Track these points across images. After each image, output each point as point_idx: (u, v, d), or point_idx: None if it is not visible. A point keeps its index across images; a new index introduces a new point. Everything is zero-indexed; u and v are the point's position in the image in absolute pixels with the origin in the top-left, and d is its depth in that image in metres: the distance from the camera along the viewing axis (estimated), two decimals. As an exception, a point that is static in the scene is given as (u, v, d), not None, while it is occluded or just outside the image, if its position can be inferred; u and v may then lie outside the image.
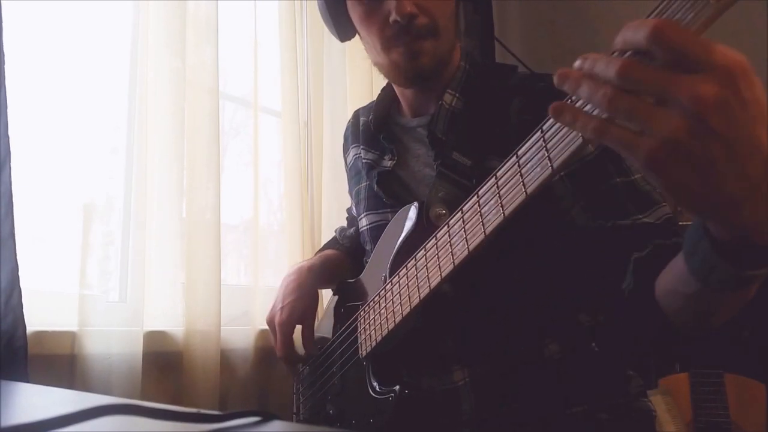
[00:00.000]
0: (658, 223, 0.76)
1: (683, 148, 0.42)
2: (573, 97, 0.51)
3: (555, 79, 0.49)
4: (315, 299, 1.12)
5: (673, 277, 0.61)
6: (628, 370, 0.89)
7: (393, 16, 0.88)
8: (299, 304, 1.08)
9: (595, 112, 0.48)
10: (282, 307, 1.08)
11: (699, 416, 1.50)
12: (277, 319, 1.07)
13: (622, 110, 0.44)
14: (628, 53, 0.46)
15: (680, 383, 1.53)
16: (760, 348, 1.59)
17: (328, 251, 1.21)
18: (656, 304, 0.65)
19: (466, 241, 0.71)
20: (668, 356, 0.79)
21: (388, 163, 1.03)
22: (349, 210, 1.27)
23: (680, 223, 1.61)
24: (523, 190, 0.62)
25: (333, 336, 1.07)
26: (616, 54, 0.47)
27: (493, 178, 0.68)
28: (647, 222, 0.76)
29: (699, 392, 1.50)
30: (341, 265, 1.18)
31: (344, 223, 1.30)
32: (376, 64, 0.99)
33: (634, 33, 0.44)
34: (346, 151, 1.20)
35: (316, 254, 1.25)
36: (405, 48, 0.91)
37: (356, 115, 1.19)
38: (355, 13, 0.94)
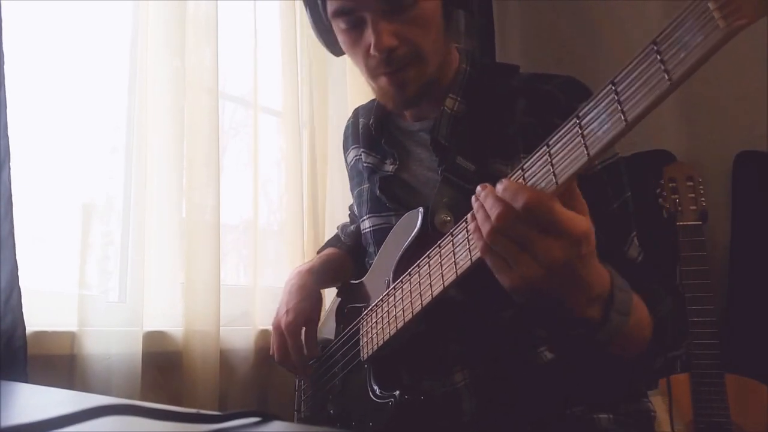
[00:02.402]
0: (638, 264, 0.86)
1: (537, 287, 0.61)
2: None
3: (472, 198, 0.65)
4: (319, 300, 1.12)
5: None
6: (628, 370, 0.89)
7: (372, 51, 0.86)
8: (304, 306, 1.08)
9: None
10: (287, 310, 1.08)
11: (699, 416, 1.50)
12: (283, 323, 1.07)
13: (498, 246, 0.61)
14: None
15: (680, 383, 1.53)
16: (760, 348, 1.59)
17: (330, 251, 1.21)
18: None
19: (470, 251, 0.71)
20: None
21: (389, 167, 1.02)
22: (351, 207, 1.27)
23: (678, 223, 1.61)
24: None
25: (335, 337, 1.07)
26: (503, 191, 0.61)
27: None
28: (631, 258, 0.85)
29: (699, 392, 1.50)
30: (343, 265, 1.17)
31: (347, 220, 1.30)
32: (369, 85, 0.98)
33: (512, 196, 0.59)
34: (346, 150, 1.19)
35: (318, 252, 1.25)
36: (388, 79, 0.90)
37: (356, 114, 1.19)
38: (340, 39, 0.94)
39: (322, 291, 1.16)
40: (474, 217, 0.65)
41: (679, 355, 0.82)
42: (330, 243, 1.27)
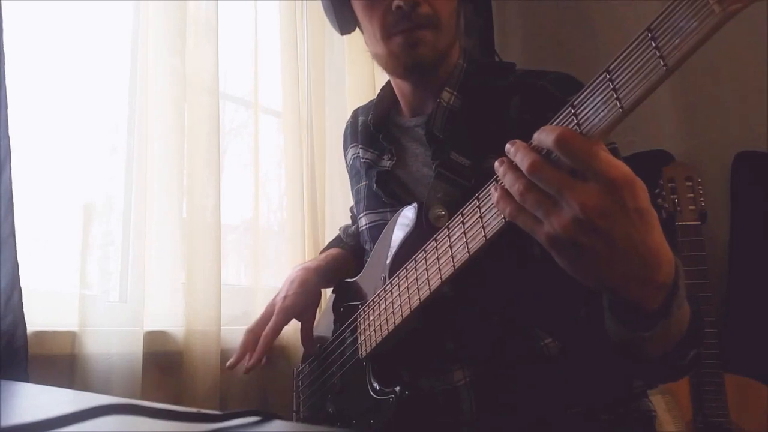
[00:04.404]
0: None
1: (571, 240, 0.54)
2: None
3: (495, 165, 0.60)
4: (318, 298, 1.13)
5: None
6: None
7: (397, 2, 0.88)
8: (302, 300, 1.08)
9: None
10: (285, 296, 1.08)
11: (699, 416, 1.50)
12: (278, 305, 1.07)
13: (529, 203, 0.56)
14: (544, 150, 0.56)
15: (680, 383, 1.53)
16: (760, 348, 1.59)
17: (334, 250, 1.21)
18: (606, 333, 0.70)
19: (467, 244, 0.71)
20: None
21: (386, 163, 1.03)
22: (352, 208, 1.28)
23: (677, 223, 1.61)
24: None
25: (332, 335, 1.07)
26: (534, 145, 0.57)
27: (494, 182, 0.68)
28: None
29: (699, 392, 1.50)
30: (346, 265, 1.18)
31: (348, 221, 1.30)
32: (374, 55, 0.98)
33: (546, 136, 0.54)
34: (345, 149, 1.20)
35: (321, 253, 1.25)
36: (404, 37, 0.91)
37: (355, 114, 1.19)
38: (358, 1, 0.95)
39: (322, 291, 1.16)
40: (497, 188, 0.60)
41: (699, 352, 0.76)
42: (332, 244, 1.28)
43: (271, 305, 1.09)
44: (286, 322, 1.07)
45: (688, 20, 0.44)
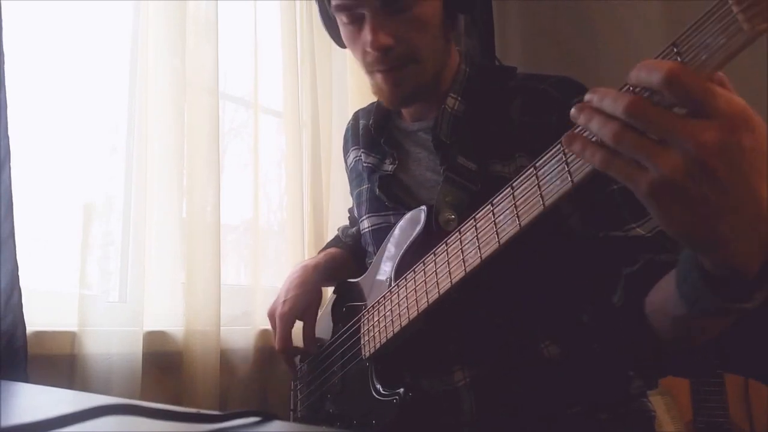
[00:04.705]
0: (650, 236, 0.75)
1: (680, 187, 0.45)
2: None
3: (571, 113, 0.51)
4: (318, 297, 1.13)
5: (663, 297, 0.62)
6: (628, 370, 0.89)
7: (367, 48, 0.87)
8: (302, 300, 1.08)
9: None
10: (284, 301, 1.08)
11: (699, 416, 1.50)
12: (278, 312, 1.07)
13: (627, 145, 0.47)
14: (638, 90, 0.48)
15: (680, 383, 1.53)
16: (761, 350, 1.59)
17: (333, 250, 1.21)
18: (645, 319, 0.66)
19: (479, 249, 0.71)
20: (654, 368, 0.81)
21: (389, 167, 1.03)
22: (350, 210, 1.27)
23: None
24: (541, 202, 0.62)
25: (333, 336, 1.07)
26: (625, 89, 0.49)
27: (509, 188, 0.68)
28: (639, 234, 0.76)
29: (699, 392, 1.50)
30: (346, 264, 1.18)
31: (347, 223, 1.30)
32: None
33: (648, 73, 0.46)
34: (346, 152, 1.20)
35: (320, 252, 1.25)
36: (383, 77, 0.90)
37: (356, 116, 1.19)
38: (342, 33, 0.95)
39: (322, 289, 1.16)
40: (573, 139, 0.52)
41: None
42: (331, 243, 1.28)
43: (272, 312, 1.10)
44: (290, 327, 1.08)
45: (716, 37, 0.44)
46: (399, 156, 1.02)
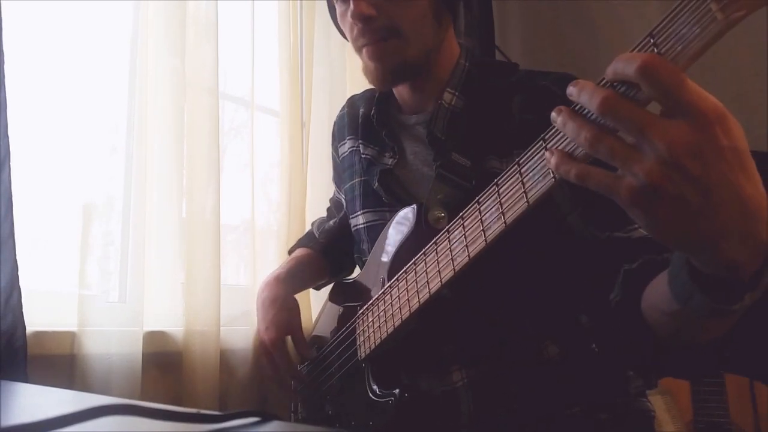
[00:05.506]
0: (652, 237, 0.75)
1: (659, 190, 0.44)
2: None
3: (551, 116, 0.51)
4: (295, 308, 1.13)
5: (657, 293, 0.62)
6: (628, 370, 0.89)
7: (349, 19, 0.88)
8: (281, 317, 1.08)
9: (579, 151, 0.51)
10: (267, 327, 1.09)
11: (699, 416, 1.50)
12: (267, 340, 1.08)
13: (602, 152, 0.47)
14: (617, 85, 0.47)
15: (680, 383, 1.53)
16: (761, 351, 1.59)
17: (300, 252, 1.21)
18: (641, 315, 0.66)
19: (467, 247, 0.71)
20: (652, 367, 0.79)
21: (389, 161, 1.01)
22: (331, 200, 1.27)
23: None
24: (525, 198, 0.62)
25: (331, 336, 1.07)
26: (602, 83, 0.48)
27: (494, 186, 0.68)
28: (642, 235, 0.75)
29: (699, 392, 1.50)
30: (312, 266, 1.18)
31: (324, 215, 1.30)
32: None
33: (624, 65, 0.45)
34: (340, 140, 1.17)
35: (289, 252, 1.25)
36: (367, 51, 0.91)
37: (352, 104, 1.17)
38: (338, 17, 0.96)
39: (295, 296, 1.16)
40: (551, 153, 0.52)
41: None
42: (301, 242, 1.27)
43: (262, 342, 1.11)
44: (285, 348, 1.09)
45: (690, 27, 0.44)
46: (398, 150, 1.01)
